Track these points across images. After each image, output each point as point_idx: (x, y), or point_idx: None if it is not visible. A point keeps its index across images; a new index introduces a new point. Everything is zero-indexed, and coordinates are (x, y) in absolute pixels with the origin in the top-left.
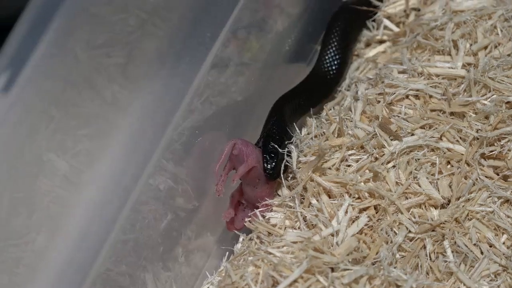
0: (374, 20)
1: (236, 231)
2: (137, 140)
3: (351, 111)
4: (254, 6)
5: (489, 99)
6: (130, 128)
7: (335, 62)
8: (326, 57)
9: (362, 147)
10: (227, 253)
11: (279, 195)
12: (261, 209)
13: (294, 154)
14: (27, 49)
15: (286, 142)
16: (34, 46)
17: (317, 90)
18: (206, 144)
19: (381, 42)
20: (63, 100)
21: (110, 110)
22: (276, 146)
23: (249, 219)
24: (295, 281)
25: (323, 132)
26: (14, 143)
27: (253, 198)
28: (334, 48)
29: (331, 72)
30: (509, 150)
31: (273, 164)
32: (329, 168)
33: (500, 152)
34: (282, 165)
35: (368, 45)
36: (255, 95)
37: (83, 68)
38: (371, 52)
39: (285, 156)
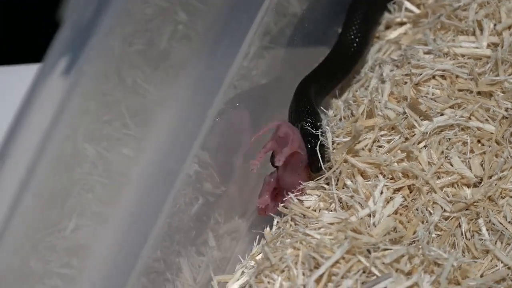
0: (395, 3)
1: (271, 214)
2: (179, 126)
3: (378, 92)
4: None
5: None
6: (171, 116)
7: (357, 40)
8: (348, 36)
9: (392, 128)
10: (258, 237)
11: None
12: (296, 193)
13: (329, 136)
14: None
15: (318, 124)
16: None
17: (338, 70)
18: (229, 124)
19: (401, 24)
20: (106, 92)
21: (151, 100)
22: (317, 142)
23: (283, 204)
24: (337, 262)
25: (351, 114)
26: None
27: (290, 184)
28: (355, 27)
29: (352, 49)
30: None
31: (319, 162)
32: (362, 149)
33: None
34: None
35: (388, 27)
36: (277, 78)
37: (125, 62)
38: (392, 34)
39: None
